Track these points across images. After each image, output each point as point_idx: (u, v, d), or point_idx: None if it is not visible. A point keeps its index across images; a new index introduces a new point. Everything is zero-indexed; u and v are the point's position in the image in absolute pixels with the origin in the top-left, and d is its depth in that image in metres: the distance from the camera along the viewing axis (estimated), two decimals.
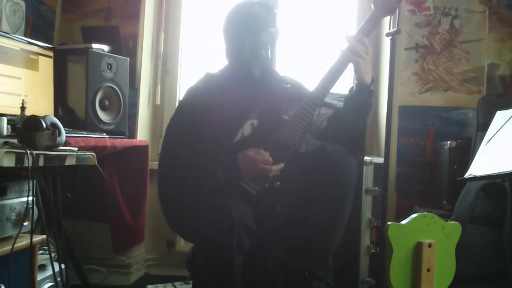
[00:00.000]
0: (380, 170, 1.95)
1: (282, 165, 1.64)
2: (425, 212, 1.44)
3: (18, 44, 1.82)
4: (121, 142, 2.08)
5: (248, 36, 1.73)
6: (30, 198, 1.36)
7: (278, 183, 1.67)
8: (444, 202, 2.22)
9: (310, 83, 1.76)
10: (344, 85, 1.79)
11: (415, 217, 1.41)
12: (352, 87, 1.73)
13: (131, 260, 2.45)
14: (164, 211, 1.71)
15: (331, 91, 1.72)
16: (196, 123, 1.70)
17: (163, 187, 1.72)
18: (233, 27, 1.77)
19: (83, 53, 2.06)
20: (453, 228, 1.45)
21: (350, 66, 1.70)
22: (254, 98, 1.76)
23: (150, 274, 2.61)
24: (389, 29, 1.75)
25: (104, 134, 2.02)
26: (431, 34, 2.52)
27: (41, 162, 1.32)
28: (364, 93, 1.69)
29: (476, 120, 2.25)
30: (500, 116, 1.72)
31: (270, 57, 1.79)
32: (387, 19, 1.84)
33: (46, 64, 1.98)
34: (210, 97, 1.73)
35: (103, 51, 2.16)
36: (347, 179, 1.66)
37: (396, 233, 1.39)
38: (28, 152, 1.26)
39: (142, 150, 2.29)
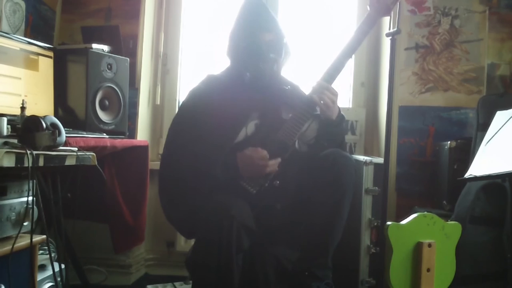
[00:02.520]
0: (380, 170, 1.94)
1: (279, 160, 1.66)
2: (425, 212, 1.44)
3: (18, 44, 1.82)
4: (121, 142, 2.08)
5: (254, 63, 1.74)
6: (30, 198, 1.36)
7: (278, 182, 1.68)
8: (444, 202, 2.22)
9: (310, 83, 1.76)
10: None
11: (415, 217, 1.41)
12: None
13: (131, 260, 2.45)
14: (163, 208, 1.72)
15: None
16: (197, 124, 1.71)
17: (163, 187, 1.73)
18: (239, 44, 1.77)
19: (83, 53, 2.06)
20: (453, 228, 1.45)
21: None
22: (256, 98, 1.77)
23: (150, 274, 2.61)
24: (389, 29, 1.75)
25: (104, 134, 2.02)
26: (431, 34, 2.52)
27: (41, 162, 1.33)
28: (332, 125, 1.74)
29: (476, 120, 2.25)
30: (500, 116, 1.72)
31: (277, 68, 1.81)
32: (387, 19, 1.84)
33: (46, 64, 1.98)
34: (212, 98, 1.74)
35: (103, 51, 2.16)
36: (346, 180, 1.66)
37: (396, 233, 1.39)
38: (28, 152, 1.26)
39: (142, 150, 2.29)
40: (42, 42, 1.99)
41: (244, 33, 1.76)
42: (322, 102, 1.69)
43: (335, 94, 1.70)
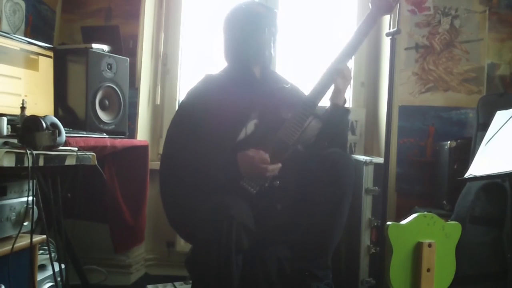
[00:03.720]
0: (380, 170, 1.95)
1: (279, 165, 1.65)
2: (425, 212, 1.44)
3: (18, 44, 1.82)
4: (121, 142, 2.08)
5: (251, 35, 1.75)
6: (30, 198, 1.36)
7: (278, 182, 1.68)
8: (444, 202, 2.22)
9: (310, 84, 1.76)
10: None
11: (415, 217, 1.41)
12: (327, 109, 1.77)
13: (131, 260, 2.45)
14: (166, 211, 1.72)
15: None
16: (196, 124, 1.70)
17: (164, 188, 1.73)
18: (234, 26, 1.78)
19: (83, 53, 2.06)
20: (453, 228, 1.45)
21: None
22: (255, 98, 1.77)
23: (150, 274, 2.61)
24: (389, 29, 1.75)
25: (104, 134, 2.02)
26: (431, 34, 2.52)
27: (41, 162, 1.33)
28: (338, 114, 1.75)
29: (476, 120, 2.25)
30: (500, 116, 1.72)
31: (271, 56, 1.80)
32: (387, 19, 1.84)
33: (46, 64, 1.98)
34: (211, 98, 1.74)
35: (103, 51, 2.16)
36: (345, 180, 1.66)
37: (396, 233, 1.39)
38: (28, 152, 1.26)
39: (142, 150, 2.29)
40: (42, 42, 1.99)
41: (238, 33, 1.78)
42: (335, 83, 1.70)
43: (348, 76, 1.72)
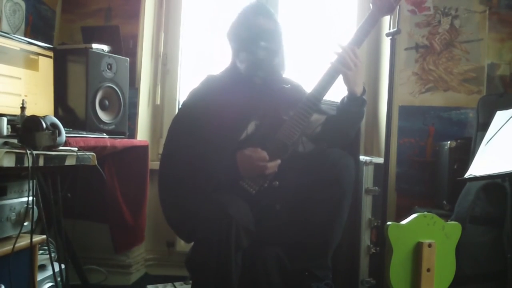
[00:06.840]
0: (380, 170, 1.95)
1: (278, 161, 1.65)
2: (425, 212, 1.44)
3: (18, 44, 1.82)
4: (121, 142, 2.08)
5: (248, 48, 1.74)
6: (30, 198, 1.36)
7: (277, 182, 1.68)
8: (444, 202, 2.22)
9: (310, 84, 1.76)
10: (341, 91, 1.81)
11: (415, 217, 1.42)
12: (344, 98, 1.73)
13: (131, 260, 2.45)
14: (163, 211, 1.72)
15: (327, 99, 1.76)
16: (197, 124, 1.71)
17: (163, 187, 1.73)
18: (233, 38, 1.78)
19: (83, 53, 2.06)
20: (453, 228, 1.45)
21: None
22: (256, 99, 1.76)
23: (150, 274, 2.61)
24: (389, 29, 1.75)
25: (104, 134, 2.02)
26: (431, 34, 2.52)
27: (41, 162, 1.32)
28: (355, 104, 1.70)
29: (476, 120, 2.25)
30: (500, 116, 1.72)
31: (275, 62, 1.79)
32: (387, 19, 1.84)
33: (46, 64, 1.98)
34: (212, 99, 1.74)
35: (103, 51, 2.16)
36: (345, 180, 1.66)
37: (396, 233, 1.39)
38: (28, 152, 1.26)
39: (142, 150, 2.29)
40: (42, 42, 1.99)
41: (238, 19, 1.78)
42: (343, 64, 1.65)
43: (358, 57, 1.67)
